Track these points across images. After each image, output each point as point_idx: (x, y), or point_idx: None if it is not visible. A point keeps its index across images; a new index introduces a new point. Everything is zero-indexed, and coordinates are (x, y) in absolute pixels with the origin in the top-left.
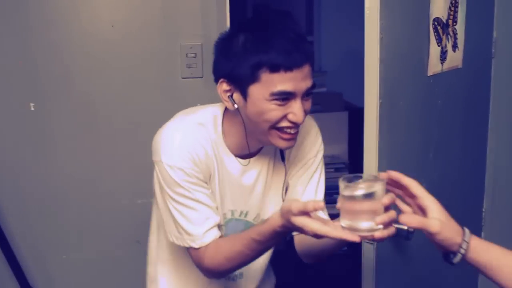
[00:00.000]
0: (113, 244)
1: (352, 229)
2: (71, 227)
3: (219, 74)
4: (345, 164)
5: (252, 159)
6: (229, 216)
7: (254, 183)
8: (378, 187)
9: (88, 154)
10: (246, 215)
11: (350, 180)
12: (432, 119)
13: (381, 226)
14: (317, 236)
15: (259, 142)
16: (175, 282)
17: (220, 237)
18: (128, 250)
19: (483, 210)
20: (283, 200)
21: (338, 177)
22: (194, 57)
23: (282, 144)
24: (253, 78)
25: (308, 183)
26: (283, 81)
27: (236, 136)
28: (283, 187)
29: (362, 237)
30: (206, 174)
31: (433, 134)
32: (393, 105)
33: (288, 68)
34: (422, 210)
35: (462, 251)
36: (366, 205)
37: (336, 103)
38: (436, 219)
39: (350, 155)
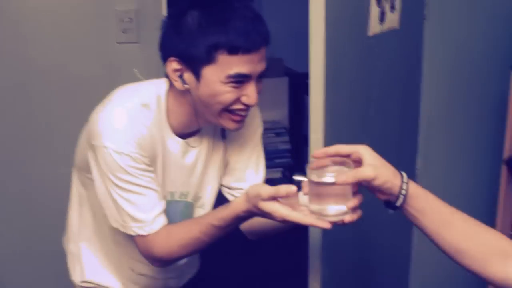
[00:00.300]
0: (50, 214)
1: (321, 214)
2: (5, 195)
3: (168, 52)
4: (286, 128)
5: (193, 138)
6: (168, 198)
7: (195, 162)
8: (347, 171)
9: (22, 122)
10: (186, 196)
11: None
12: (372, 78)
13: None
14: (286, 221)
15: (206, 122)
16: (101, 260)
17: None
18: (65, 219)
19: (416, 168)
20: (221, 179)
21: (278, 141)
22: (130, 22)
23: (232, 126)
24: (209, 59)
25: (248, 161)
26: (240, 64)
27: (182, 116)
28: (221, 165)
29: (332, 223)
30: (151, 157)
31: (374, 93)
32: (337, 65)
33: (247, 50)
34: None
35: (403, 191)
36: (336, 189)
37: (277, 69)
38: (369, 165)
39: (290, 120)
